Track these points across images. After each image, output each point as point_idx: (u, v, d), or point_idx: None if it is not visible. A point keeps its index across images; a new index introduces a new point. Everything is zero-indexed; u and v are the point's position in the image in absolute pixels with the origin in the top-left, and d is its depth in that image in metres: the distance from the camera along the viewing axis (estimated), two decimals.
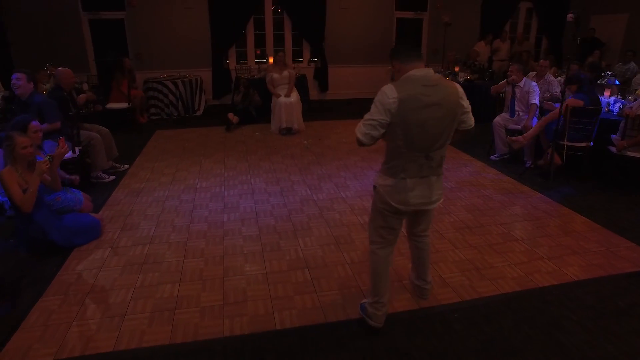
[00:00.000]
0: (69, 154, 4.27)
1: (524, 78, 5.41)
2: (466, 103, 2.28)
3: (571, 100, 4.72)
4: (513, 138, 5.20)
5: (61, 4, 8.22)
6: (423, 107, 2.11)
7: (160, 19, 8.75)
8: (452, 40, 9.60)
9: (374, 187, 2.41)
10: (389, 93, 2.11)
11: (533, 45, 10.93)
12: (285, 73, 6.89)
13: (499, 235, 3.64)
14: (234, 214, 4.00)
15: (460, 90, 2.26)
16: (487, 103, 7.89)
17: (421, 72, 2.17)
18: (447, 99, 2.17)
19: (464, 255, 3.32)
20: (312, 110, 8.31)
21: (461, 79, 7.91)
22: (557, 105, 4.94)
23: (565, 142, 4.80)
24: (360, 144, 2.19)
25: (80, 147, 4.52)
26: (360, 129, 2.17)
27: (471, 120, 2.34)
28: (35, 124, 3.58)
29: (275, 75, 6.85)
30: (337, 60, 9.87)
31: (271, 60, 8.90)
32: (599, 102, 4.96)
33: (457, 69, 8.19)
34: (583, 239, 3.57)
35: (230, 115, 7.31)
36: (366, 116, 2.17)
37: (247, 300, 2.77)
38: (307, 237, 3.58)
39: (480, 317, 2.63)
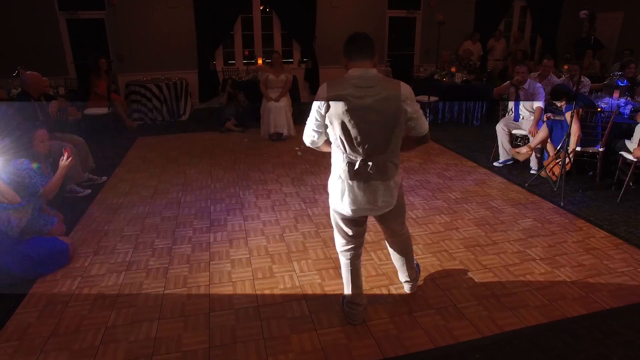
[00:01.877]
0: None
1: (528, 79, 5.11)
2: (412, 108, 2.08)
3: (569, 114, 4.42)
4: (517, 150, 4.89)
5: (36, 3, 7.74)
6: (352, 109, 2.01)
7: (143, 19, 8.31)
8: (445, 39, 9.32)
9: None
10: (320, 93, 2.08)
11: (528, 44, 10.69)
12: (283, 77, 6.50)
13: (515, 255, 3.30)
14: (221, 233, 3.62)
15: (405, 92, 2.06)
16: (485, 105, 7.63)
17: (358, 72, 2.06)
18: (383, 102, 2.03)
19: (479, 280, 2.98)
20: (303, 114, 7.87)
21: (458, 80, 7.60)
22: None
23: (575, 149, 4.50)
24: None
25: (51, 160, 4.08)
26: (305, 133, 2.23)
27: (422, 127, 2.17)
28: (41, 132, 3.22)
29: (272, 77, 6.45)
30: (328, 60, 9.50)
31: (260, 61, 8.54)
32: (593, 104, 4.71)
33: (453, 69, 7.88)
34: (606, 257, 3.26)
35: (229, 125, 6.93)
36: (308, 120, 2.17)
37: (236, 342, 2.39)
38: (302, 261, 3.21)
39: (506, 358, 2.28)
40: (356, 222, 2.34)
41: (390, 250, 2.67)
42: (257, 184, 4.71)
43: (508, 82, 5.31)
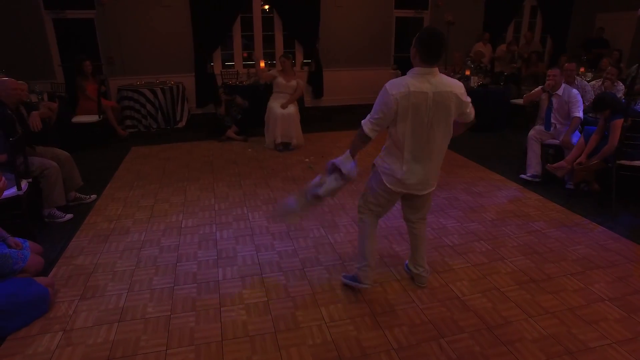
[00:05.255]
0: (12, 191, 3.28)
1: (563, 85, 4.62)
2: None
3: (618, 122, 3.96)
4: (555, 165, 4.39)
5: (19, 1, 7.15)
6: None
7: (135, 19, 7.74)
8: (454, 40, 8.86)
9: (373, 164, 2.61)
10: None
11: (539, 44, 10.25)
12: (293, 83, 5.95)
13: (577, 293, 2.82)
14: (231, 268, 3.09)
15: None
16: (502, 111, 7.17)
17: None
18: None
19: (544, 329, 2.49)
20: (308, 120, 7.36)
21: (474, 84, 7.14)
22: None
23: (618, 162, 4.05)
24: None
25: (30, 180, 3.54)
26: None
27: None
28: None
29: (281, 81, 5.91)
30: (332, 63, 9.03)
31: (262, 64, 8.03)
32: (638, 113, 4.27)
33: (468, 72, 7.41)
34: None
35: (230, 133, 6.41)
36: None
37: None
38: (331, 305, 2.70)
39: None
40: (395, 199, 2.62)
41: (410, 240, 2.85)
42: (266, 204, 4.19)
43: (539, 87, 4.84)
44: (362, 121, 2.38)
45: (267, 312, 2.62)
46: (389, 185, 2.47)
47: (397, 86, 2.26)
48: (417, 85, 2.25)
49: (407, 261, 2.99)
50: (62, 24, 7.61)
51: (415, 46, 2.28)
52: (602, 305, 2.70)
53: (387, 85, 2.28)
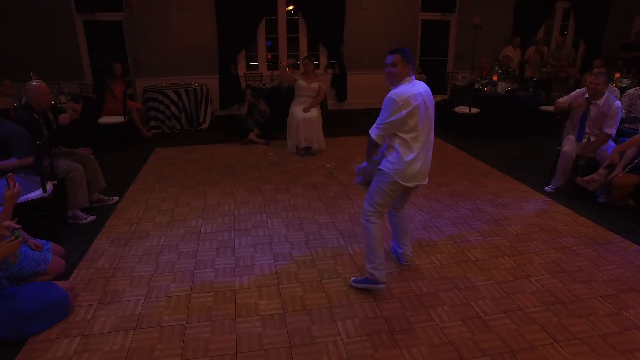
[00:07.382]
0: (37, 193, 3.35)
1: (607, 94, 4.37)
2: None
3: None
4: (586, 179, 4.18)
5: (52, 3, 7.36)
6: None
7: (162, 21, 7.85)
8: (480, 44, 8.64)
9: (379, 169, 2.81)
10: None
11: (572, 48, 9.88)
12: (315, 85, 5.92)
13: (609, 319, 2.67)
14: (248, 277, 3.07)
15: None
16: (530, 118, 6.95)
17: None
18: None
19: (572, 356, 2.36)
20: (331, 123, 7.31)
21: (502, 90, 6.93)
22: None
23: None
24: None
25: (55, 182, 3.60)
26: None
27: None
28: None
29: (302, 83, 5.89)
30: (356, 66, 8.94)
31: (288, 69, 8.03)
32: None
33: (495, 77, 7.20)
34: None
35: (253, 136, 6.43)
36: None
37: None
38: (348, 319, 2.63)
39: None
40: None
41: (397, 225, 3.14)
42: (286, 211, 4.15)
43: (574, 92, 4.62)
44: (370, 130, 2.70)
45: (282, 325, 2.58)
46: (402, 183, 2.69)
47: (401, 95, 2.58)
48: (413, 92, 2.60)
49: (393, 245, 3.31)
50: (91, 26, 7.79)
51: (407, 63, 2.64)
52: (638, 334, 2.55)
53: (394, 95, 2.58)
